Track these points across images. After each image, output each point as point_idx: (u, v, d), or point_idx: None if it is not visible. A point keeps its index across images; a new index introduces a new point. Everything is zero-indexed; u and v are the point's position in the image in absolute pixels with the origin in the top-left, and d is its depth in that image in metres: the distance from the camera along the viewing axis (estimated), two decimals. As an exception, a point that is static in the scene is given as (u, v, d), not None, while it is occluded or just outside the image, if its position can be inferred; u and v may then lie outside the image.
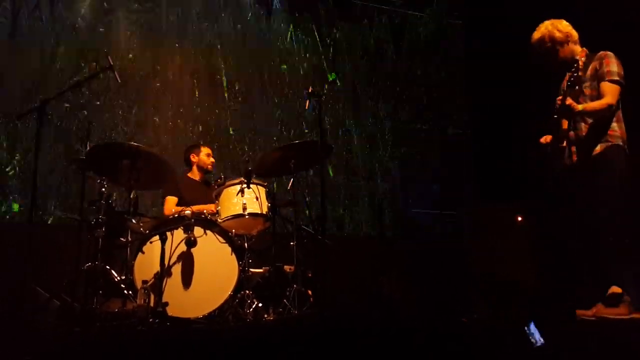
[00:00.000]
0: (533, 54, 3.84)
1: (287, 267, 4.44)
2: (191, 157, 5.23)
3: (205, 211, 4.43)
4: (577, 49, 3.75)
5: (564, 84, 3.66)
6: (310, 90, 4.24)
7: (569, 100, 3.49)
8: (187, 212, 4.14)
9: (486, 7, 6.80)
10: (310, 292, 4.30)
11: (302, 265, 4.43)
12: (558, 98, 3.60)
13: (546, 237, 5.04)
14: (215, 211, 4.38)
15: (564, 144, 3.69)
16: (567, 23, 3.79)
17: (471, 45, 7.22)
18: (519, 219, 5.57)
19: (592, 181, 3.57)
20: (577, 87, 3.57)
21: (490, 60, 6.56)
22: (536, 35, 3.79)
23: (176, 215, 4.22)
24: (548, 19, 3.83)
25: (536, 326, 2.76)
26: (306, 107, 4.33)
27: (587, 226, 3.61)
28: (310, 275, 4.48)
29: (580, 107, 3.53)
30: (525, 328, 2.76)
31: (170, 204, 4.90)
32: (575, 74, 3.57)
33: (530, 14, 5.12)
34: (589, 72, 3.65)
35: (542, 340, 2.72)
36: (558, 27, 3.75)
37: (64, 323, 3.58)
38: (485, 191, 6.77)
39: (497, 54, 6.38)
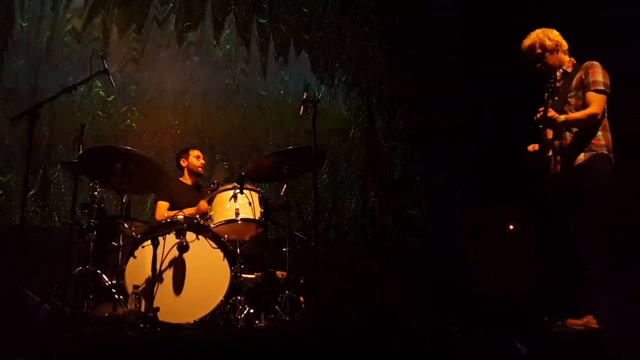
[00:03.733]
0: (523, 60, 3.88)
1: (279, 273, 4.44)
2: (181, 161, 5.23)
3: (197, 216, 4.42)
4: (565, 58, 3.79)
5: (546, 95, 3.69)
6: (305, 96, 4.25)
7: (550, 112, 3.52)
8: (180, 216, 4.13)
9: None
10: (302, 298, 4.30)
11: (294, 272, 4.43)
12: (540, 109, 3.62)
13: (539, 244, 5.06)
14: (206, 208, 4.37)
15: (550, 153, 3.72)
16: (558, 32, 3.82)
17: (469, 45, 7.25)
18: (511, 227, 5.59)
19: (578, 190, 3.58)
20: (556, 97, 3.60)
21: (488, 60, 6.60)
22: (527, 42, 3.83)
23: (168, 220, 4.20)
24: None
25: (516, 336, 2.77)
26: (300, 113, 4.32)
27: (574, 235, 3.63)
28: (302, 281, 4.48)
29: (562, 117, 3.56)
30: (512, 337, 2.77)
31: (162, 209, 4.89)
32: (553, 85, 3.60)
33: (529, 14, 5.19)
34: (574, 82, 3.68)
35: (525, 349, 2.73)
36: (549, 36, 3.79)
37: (54, 327, 3.56)
38: (481, 193, 6.80)
39: (494, 54, 6.42)
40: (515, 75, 5.69)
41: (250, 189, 4.34)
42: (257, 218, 4.28)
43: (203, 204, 4.51)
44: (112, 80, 4.27)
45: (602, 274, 3.46)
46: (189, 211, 4.50)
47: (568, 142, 3.66)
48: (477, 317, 4.17)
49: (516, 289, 5.12)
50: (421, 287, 5.51)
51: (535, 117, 3.62)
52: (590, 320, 3.47)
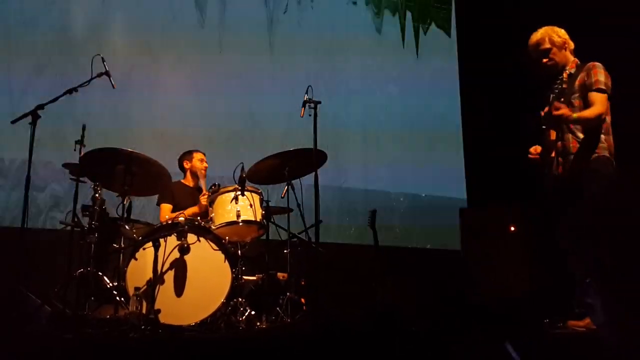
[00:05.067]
0: (529, 57, 3.87)
1: (280, 275, 4.43)
2: (184, 163, 5.23)
3: (199, 217, 4.42)
4: (570, 58, 3.79)
5: (551, 96, 3.68)
6: (305, 98, 4.26)
7: (562, 110, 3.48)
8: (181, 218, 4.13)
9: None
10: (303, 300, 4.30)
11: (296, 273, 4.42)
12: (544, 110, 3.61)
13: (539, 245, 5.06)
14: (206, 203, 4.35)
15: (552, 154, 3.71)
16: (565, 32, 3.82)
17: (467, 46, 7.26)
18: (512, 228, 5.59)
19: (578, 192, 3.58)
20: (562, 98, 3.59)
21: (486, 60, 6.61)
22: (535, 37, 3.82)
23: (169, 222, 4.20)
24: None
25: (511, 344, 2.76)
26: (301, 115, 4.33)
27: (574, 237, 3.62)
28: (303, 283, 4.48)
29: (575, 115, 3.53)
30: (505, 345, 2.76)
31: (165, 212, 4.89)
32: (560, 86, 3.59)
33: (527, 15, 5.19)
34: (577, 83, 3.68)
35: (518, 357, 2.73)
36: (558, 33, 3.79)
37: (55, 329, 3.56)
38: (481, 194, 6.80)
39: (493, 54, 6.42)
40: (516, 75, 5.72)
41: (251, 191, 4.34)
42: (258, 220, 4.28)
43: (203, 199, 4.50)
44: (113, 82, 4.28)
45: (601, 276, 3.45)
46: (191, 211, 4.50)
47: (571, 144, 3.65)
48: (476, 319, 4.17)
49: (516, 290, 5.12)
50: (421, 289, 5.50)
51: (542, 114, 3.60)
52: (591, 322, 3.47)
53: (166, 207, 4.92)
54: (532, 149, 3.79)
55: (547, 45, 3.77)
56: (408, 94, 7.15)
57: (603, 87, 3.58)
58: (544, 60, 3.79)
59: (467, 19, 7.27)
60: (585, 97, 3.62)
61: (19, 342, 2.82)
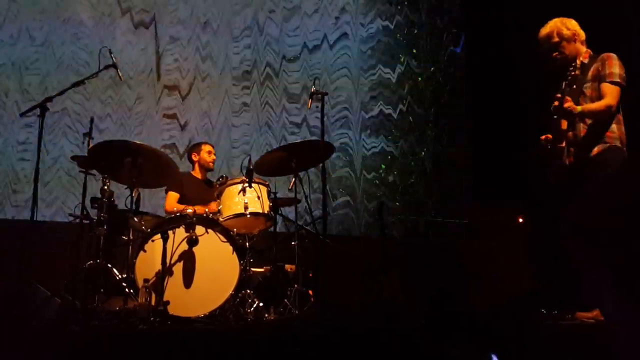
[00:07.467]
0: (539, 50, 3.83)
1: (288, 267, 4.44)
2: (192, 156, 5.24)
3: (207, 210, 4.43)
4: (583, 49, 3.75)
5: (564, 83, 3.65)
6: (313, 90, 4.24)
7: (567, 103, 3.46)
8: (189, 211, 4.14)
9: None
10: (311, 292, 4.30)
11: (303, 265, 4.43)
12: (557, 95, 3.57)
13: (546, 238, 5.03)
14: (217, 209, 4.38)
15: (563, 144, 3.68)
16: (576, 22, 3.78)
17: (472, 44, 7.21)
18: (520, 220, 5.56)
19: (588, 182, 3.55)
20: (574, 86, 3.55)
21: (491, 58, 6.56)
22: (544, 30, 3.78)
23: (178, 214, 4.21)
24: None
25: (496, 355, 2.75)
26: (308, 107, 4.31)
27: (582, 228, 3.59)
28: (311, 275, 4.48)
29: (579, 108, 3.51)
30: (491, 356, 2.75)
31: (172, 200, 4.89)
32: (572, 73, 3.56)
33: (530, 15, 5.14)
34: (590, 73, 3.64)
35: None
36: (567, 25, 3.75)
37: (65, 321, 3.58)
38: (483, 191, 6.77)
39: (497, 52, 6.38)
40: (518, 72, 5.67)
41: (258, 183, 4.34)
42: (266, 212, 4.28)
43: (214, 206, 4.50)
44: (120, 74, 4.28)
45: (604, 271, 3.43)
46: (199, 209, 4.51)
47: (582, 134, 3.62)
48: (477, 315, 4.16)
49: (520, 287, 5.10)
50: (426, 282, 5.50)
51: (552, 106, 3.57)
52: (600, 314, 3.45)
53: (173, 196, 4.93)
54: (542, 137, 3.76)
55: (556, 39, 3.73)
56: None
57: (618, 79, 3.54)
58: (554, 54, 3.75)
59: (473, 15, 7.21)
60: (598, 87, 3.58)
61: (28, 334, 2.84)
